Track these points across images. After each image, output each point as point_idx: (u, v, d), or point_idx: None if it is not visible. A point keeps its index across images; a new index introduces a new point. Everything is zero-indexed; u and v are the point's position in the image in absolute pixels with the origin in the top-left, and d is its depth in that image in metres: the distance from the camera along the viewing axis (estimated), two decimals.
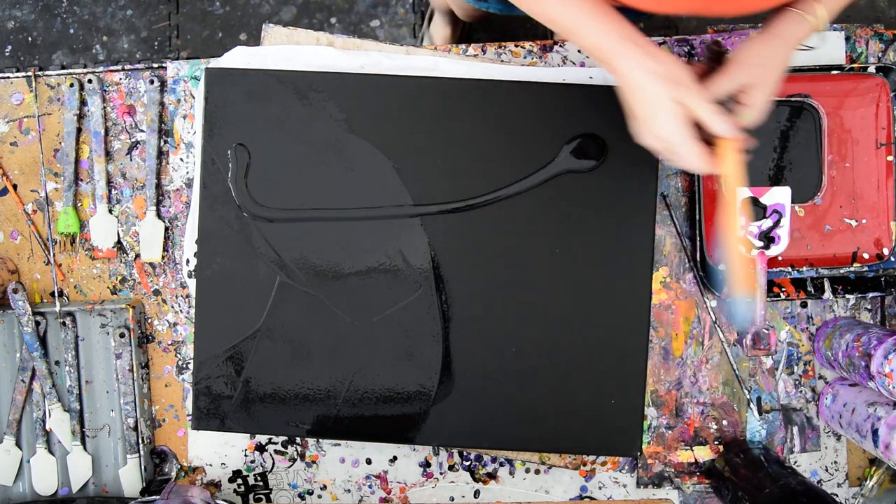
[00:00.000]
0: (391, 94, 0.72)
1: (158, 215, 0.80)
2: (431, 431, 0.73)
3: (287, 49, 0.77)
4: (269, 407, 0.73)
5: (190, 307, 0.81)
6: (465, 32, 1.47)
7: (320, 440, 0.80)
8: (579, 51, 0.80)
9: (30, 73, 0.81)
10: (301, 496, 0.81)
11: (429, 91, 0.72)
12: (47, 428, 0.79)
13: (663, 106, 0.56)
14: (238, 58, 0.76)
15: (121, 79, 0.81)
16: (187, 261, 0.79)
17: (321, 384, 0.73)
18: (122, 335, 0.78)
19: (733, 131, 0.58)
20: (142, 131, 0.81)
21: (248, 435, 0.80)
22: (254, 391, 0.73)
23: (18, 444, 0.80)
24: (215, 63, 0.77)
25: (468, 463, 0.81)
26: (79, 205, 0.81)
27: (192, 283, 0.79)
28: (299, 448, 0.81)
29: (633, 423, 0.72)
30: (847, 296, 0.78)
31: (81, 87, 0.80)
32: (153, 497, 0.73)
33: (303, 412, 0.73)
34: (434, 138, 0.72)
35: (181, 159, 0.81)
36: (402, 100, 0.72)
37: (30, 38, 1.53)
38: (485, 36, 1.51)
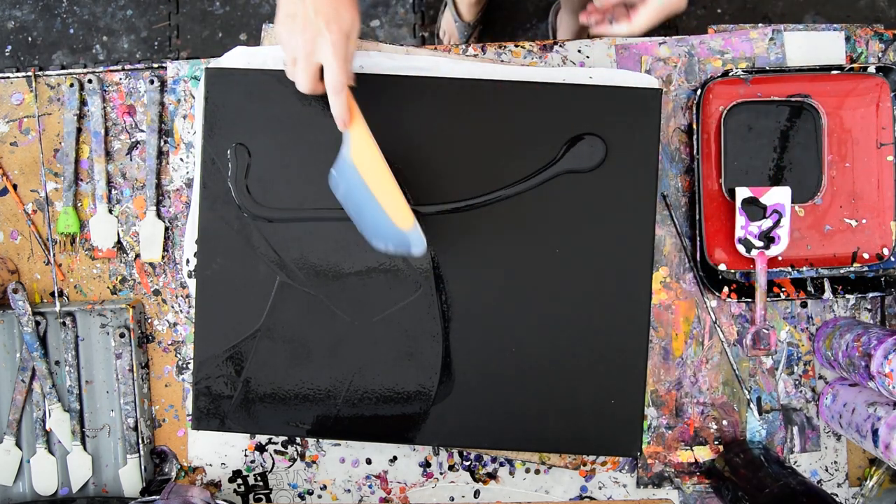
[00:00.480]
0: (391, 94, 0.72)
1: (158, 215, 0.80)
2: (431, 431, 0.73)
3: None
4: (269, 407, 0.73)
5: (190, 307, 0.81)
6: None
7: (320, 440, 0.80)
8: (579, 50, 0.80)
9: (30, 73, 0.81)
10: (301, 496, 0.81)
11: (429, 91, 0.72)
12: (47, 428, 0.79)
13: (312, 29, 0.60)
14: (238, 58, 0.76)
15: (121, 79, 0.81)
16: (187, 261, 0.79)
17: (321, 384, 0.73)
18: (122, 335, 0.78)
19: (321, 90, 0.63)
20: (142, 131, 0.81)
21: (248, 435, 0.80)
22: (254, 391, 0.73)
23: (18, 444, 0.80)
24: (215, 63, 0.77)
25: (468, 463, 0.81)
26: (79, 205, 0.81)
27: (192, 283, 0.79)
28: (299, 448, 0.81)
29: (633, 423, 0.72)
30: (847, 296, 0.78)
31: (81, 87, 0.80)
32: (153, 497, 0.73)
33: (303, 412, 0.73)
34: (434, 138, 0.72)
35: (181, 159, 0.81)
36: (402, 100, 0.72)
37: (30, 38, 1.53)
38: (485, 36, 1.51)
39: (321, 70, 0.64)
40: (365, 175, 0.66)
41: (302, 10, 0.61)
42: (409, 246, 0.67)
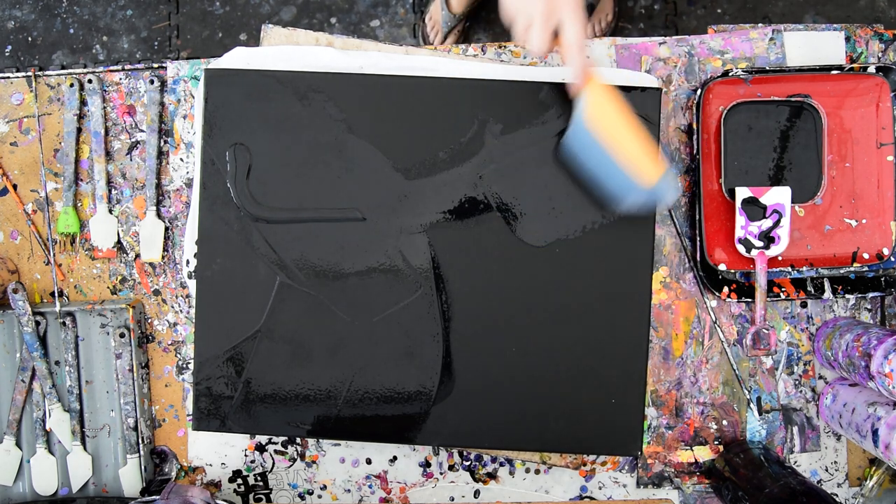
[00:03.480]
0: (390, 94, 0.72)
1: (158, 215, 0.80)
2: (432, 431, 0.73)
3: (286, 49, 0.77)
4: (270, 407, 0.73)
5: (190, 307, 0.81)
6: (465, 31, 1.48)
7: (320, 440, 0.80)
8: None
9: (30, 73, 0.81)
10: (301, 496, 0.81)
11: (428, 91, 0.72)
12: (47, 428, 0.79)
13: None
14: (237, 58, 0.77)
15: (121, 79, 0.81)
16: (187, 261, 0.79)
17: (322, 384, 0.73)
18: (122, 335, 0.78)
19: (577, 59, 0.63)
20: (142, 131, 0.81)
21: (248, 435, 0.80)
22: (254, 392, 0.73)
23: (18, 444, 0.80)
24: (215, 64, 0.77)
25: (468, 463, 0.81)
26: (79, 205, 0.81)
27: (192, 284, 0.79)
28: (299, 448, 0.81)
29: (633, 422, 0.72)
30: (847, 296, 0.78)
31: (81, 87, 0.80)
32: (153, 497, 0.73)
33: (303, 412, 0.73)
34: (434, 138, 0.72)
35: (181, 159, 0.81)
36: (401, 100, 0.72)
37: (30, 38, 1.53)
38: (485, 36, 1.51)
39: (555, 32, 0.63)
40: (602, 136, 0.64)
41: None
42: (656, 200, 0.66)
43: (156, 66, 0.81)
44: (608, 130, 0.64)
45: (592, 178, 0.68)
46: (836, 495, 0.80)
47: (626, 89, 0.71)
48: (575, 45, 0.62)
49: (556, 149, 0.67)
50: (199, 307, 0.73)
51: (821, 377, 0.80)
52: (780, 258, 0.78)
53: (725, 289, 0.78)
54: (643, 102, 0.71)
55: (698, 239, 0.77)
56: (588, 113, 0.64)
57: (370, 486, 0.81)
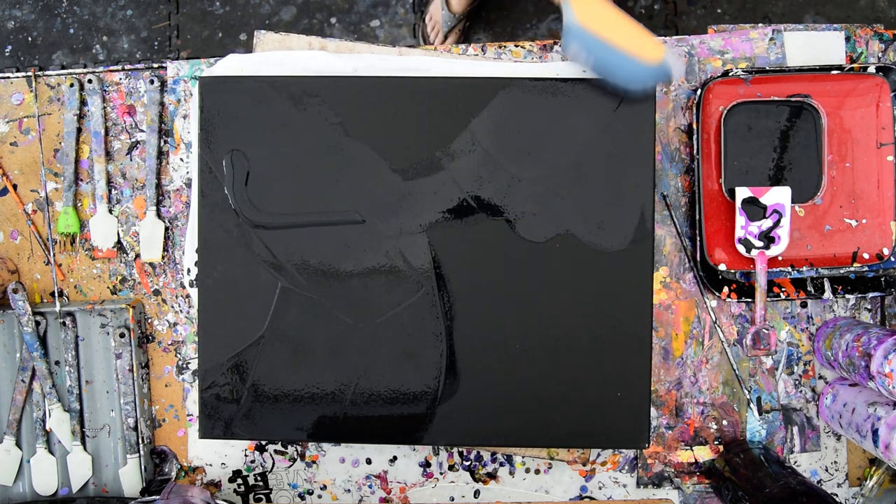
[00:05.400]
0: (385, 95, 0.72)
1: (158, 215, 0.80)
2: (438, 431, 0.73)
3: (280, 54, 0.77)
4: (276, 413, 0.73)
5: (190, 307, 0.81)
6: (465, 30, 1.48)
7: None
8: None
9: (30, 73, 0.81)
10: (301, 496, 0.81)
11: (423, 91, 0.72)
12: (47, 428, 0.79)
13: None
14: (231, 65, 0.77)
15: (121, 79, 0.81)
16: (188, 270, 0.79)
17: (327, 388, 0.73)
18: (122, 335, 0.78)
19: None
20: (142, 131, 0.81)
21: None
22: (260, 398, 0.73)
23: (18, 444, 0.80)
24: (209, 71, 0.77)
25: (468, 463, 0.81)
26: (79, 205, 0.81)
27: (193, 293, 0.79)
28: (299, 448, 0.81)
29: (639, 415, 0.72)
30: (847, 296, 0.78)
31: (81, 87, 0.80)
32: (153, 497, 0.73)
33: (309, 417, 0.73)
34: (430, 138, 0.72)
35: (181, 159, 0.81)
36: (396, 101, 0.72)
37: (30, 38, 1.53)
38: (485, 36, 1.51)
39: None
40: (598, 31, 0.66)
41: None
42: (667, 74, 0.68)
43: (156, 66, 0.81)
44: (601, 25, 0.66)
45: (601, 71, 0.69)
46: (836, 495, 0.80)
47: None
48: None
49: (561, 47, 0.68)
50: (201, 315, 0.73)
51: (821, 377, 0.80)
52: (780, 258, 0.78)
53: (725, 289, 0.78)
54: (636, 95, 0.71)
55: (698, 239, 0.77)
56: (578, 13, 0.66)
57: (370, 486, 0.81)
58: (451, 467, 0.81)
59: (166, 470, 0.81)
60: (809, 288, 0.78)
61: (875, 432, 0.69)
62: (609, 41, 0.66)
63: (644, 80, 0.69)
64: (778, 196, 0.76)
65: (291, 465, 0.81)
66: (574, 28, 0.66)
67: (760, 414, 0.80)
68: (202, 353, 0.73)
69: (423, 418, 0.73)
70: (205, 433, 0.74)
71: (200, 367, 0.73)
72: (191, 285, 0.80)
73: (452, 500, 0.81)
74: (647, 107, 0.71)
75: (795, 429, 0.80)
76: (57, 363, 0.79)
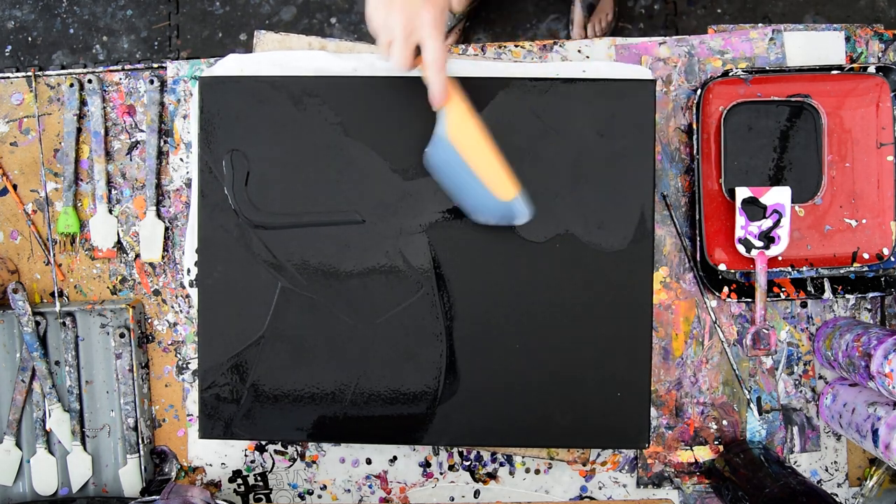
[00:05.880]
0: (385, 95, 0.72)
1: (158, 215, 0.80)
2: (439, 431, 0.73)
3: (279, 55, 0.77)
4: (276, 413, 0.73)
5: (190, 307, 0.81)
6: (465, 30, 1.48)
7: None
8: (579, 50, 0.80)
9: (30, 73, 0.81)
10: (301, 496, 0.81)
11: (423, 91, 0.72)
12: (47, 428, 0.79)
13: (415, 7, 0.61)
14: (230, 66, 0.77)
15: (121, 79, 0.81)
16: (188, 270, 0.79)
17: (326, 388, 0.73)
18: (122, 335, 0.78)
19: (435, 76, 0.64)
20: (142, 131, 0.81)
21: None
22: (260, 398, 0.73)
23: (18, 444, 0.80)
24: (209, 71, 0.77)
25: (468, 463, 0.81)
26: (79, 205, 0.81)
27: (193, 293, 0.79)
28: (299, 448, 0.81)
29: (639, 415, 0.72)
30: (847, 296, 0.78)
31: (81, 87, 0.80)
32: (153, 497, 0.73)
33: (309, 417, 0.73)
34: (430, 138, 0.72)
35: (181, 159, 0.81)
36: (396, 100, 0.72)
37: (30, 38, 1.53)
38: (485, 36, 1.51)
39: (416, 49, 0.64)
40: (463, 151, 0.66)
41: None
42: (513, 217, 0.68)
43: (156, 66, 0.81)
44: (467, 146, 0.67)
45: (454, 190, 0.70)
46: (836, 495, 0.80)
47: (618, 82, 0.71)
48: (434, 65, 0.63)
49: (422, 158, 0.69)
50: (201, 315, 0.73)
51: (821, 377, 0.80)
52: (780, 258, 0.78)
53: (725, 289, 0.78)
54: (636, 94, 0.71)
55: (698, 239, 0.77)
56: (449, 129, 0.66)
57: (370, 486, 0.81)
58: (451, 467, 0.81)
59: (166, 470, 0.81)
60: (809, 288, 0.78)
61: (875, 432, 0.69)
62: (470, 164, 0.67)
63: (490, 213, 0.69)
64: (778, 196, 0.76)
65: (291, 465, 0.81)
66: (442, 140, 0.67)
67: (760, 414, 0.80)
68: (202, 353, 0.73)
69: (423, 418, 0.73)
70: (205, 433, 0.74)
71: (200, 367, 0.73)
72: (191, 285, 0.80)
73: (452, 500, 0.81)
74: (647, 107, 0.71)
75: (795, 429, 0.80)
76: (57, 363, 0.79)
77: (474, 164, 0.67)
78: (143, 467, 0.79)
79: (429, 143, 0.68)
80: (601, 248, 0.72)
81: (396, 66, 0.64)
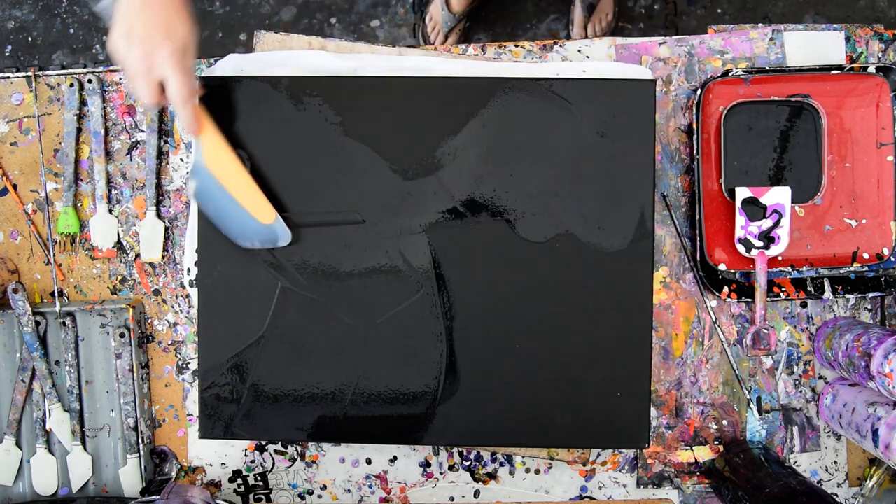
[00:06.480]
0: (385, 95, 0.72)
1: (158, 215, 0.80)
2: (438, 431, 0.73)
3: (279, 54, 0.77)
4: (276, 413, 0.73)
5: (190, 307, 0.81)
6: (465, 30, 1.48)
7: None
8: (579, 50, 0.80)
9: (30, 73, 0.81)
10: (301, 496, 0.81)
11: (423, 91, 0.72)
12: (47, 428, 0.79)
13: (150, 46, 0.61)
14: (230, 65, 0.76)
15: (121, 79, 0.81)
16: (188, 270, 0.79)
17: (327, 388, 0.73)
18: (122, 335, 0.78)
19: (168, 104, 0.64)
20: (142, 131, 0.81)
21: None
22: (260, 398, 0.73)
23: (18, 444, 0.80)
24: (209, 71, 0.77)
25: (468, 463, 0.81)
26: (79, 205, 0.81)
27: (193, 293, 0.79)
28: (299, 448, 0.81)
29: (639, 415, 0.72)
30: (847, 296, 0.78)
31: (81, 87, 0.80)
32: (153, 497, 0.73)
33: (309, 417, 0.73)
34: (430, 138, 0.72)
35: (181, 159, 0.81)
36: (396, 101, 0.72)
37: (30, 38, 1.53)
38: (485, 36, 1.51)
39: (162, 84, 0.63)
40: (221, 178, 0.69)
41: (138, 26, 0.61)
42: (275, 239, 0.71)
43: None
44: (224, 174, 0.69)
45: (217, 217, 0.71)
46: (836, 495, 0.80)
47: (618, 82, 0.71)
48: (178, 99, 0.63)
49: (186, 186, 0.71)
50: (201, 315, 0.73)
51: (821, 377, 0.80)
52: (780, 258, 0.78)
53: (725, 289, 0.78)
54: (636, 94, 0.71)
55: (698, 239, 0.77)
56: (206, 157, 0.68)
57: (370, 486, 0.81)
58: (451, 467, 0.81)
59: (166, 470, 0.81)
60: (809, 288, 0.78)
61: (875, 432, 0.69)
62: (229, 191, 0.69)
63: (253, 237, 0.70)
64: (778, 196, 0.76)
65: (291, 465, 0.81)
66: (200, 168, 0.68)
67: (760, 414, 0.80)
68: (202, 353, 0.73)
69: (423, 418, 0.73)
70: (205, 433, 0.74)
71: (200, 367, 0.73)
72: (191, 285, 0.80)
73: (452, 500, 0.81)
74: (648, 107, 0.71)
75: (795, 429, 0.80)
76: (57, 363, 0.79)
77: (233, 191, 0.69)
78: (143, 467, 0.79)
79: (189, 172, 0.69)
80: (601, 248, 0.71)
81: (144, 102, 0.65)
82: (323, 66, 0.77)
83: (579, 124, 0.71)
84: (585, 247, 0.72)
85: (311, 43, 0.79)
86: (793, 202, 0.78)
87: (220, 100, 0.72)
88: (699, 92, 0.76)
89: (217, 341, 0.73)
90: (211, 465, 0.81)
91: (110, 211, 0.81)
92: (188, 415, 0.81)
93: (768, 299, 0.78)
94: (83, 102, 0.81)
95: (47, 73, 0.81)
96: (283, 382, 0.73)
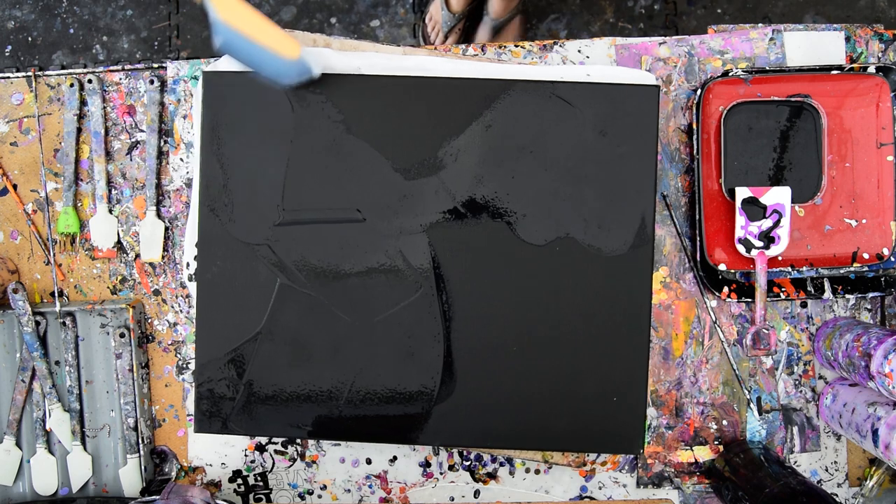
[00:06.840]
0: (389, 94, 0.72)
1: (158, 215, 0.80)
2: (434, 431, 0.73)
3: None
4: (272, 409, 0.73)
5: (190, 307, 0.81)
6: (465, 30, 1.48)
7: (320, 440, 0.80)
8: (579, 50, 0.80)
9: (30, 73, 0.81)
10: (301, 496, 0.81)
11: (427, 91, 0.72)
12: (47, 428, 0.79)
13: None
14: (230, 65, 0.76)
15: (121, 79, 0.81)
16: (187, 264, 0.79)
17: (323, 385, 0.73)
18: (122, 335, 0.78)
19: None
20: (142, 131, 0.81)
21: (249, 435, 0.80)
22: (256, 394, 0.73)
23: (18, 444, 0.80)
24: (213, 67, 0.77)
25: (468, 463, 0.81)
26: (79, 205, 0.81)
27: (192, 287, 0.79)
28: (299, 448, 0.81)
29: (635, 420, 0.72)
30: (847, 296, 0.78)
31: (81, 87, 0.80)
32: (153, 497, 0.73)
33: (305, 414, 0.73)
34: (432, 138, 0.72)
35: (181, 159, 0.81)
36: (399, 100, 0.72)
37: (30, 38, 1.53)
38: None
39: None
40: (240, 28, 0.69)
41: None
42: (308, 71, 0.71)
43: (156, 66, 0.81)
44: (240, 21, 0.69)
45: (250, 65, 0.71)
46: (836, 495, 0.80)
47: (623, 86, 0.71)
48: None
49: (215, 43, 0.70)
50: (199, 310, 0.73)
51: (821, 377, 0.80)
52: (780, 258, 0.78)
53: (725, 289, 0.78)
54: (640, 99, 0.71)
55: (698, 239, 0.77)
56: (220, 12, 0.68)
57: (370, 486, 0.81)
58: (451, 467, 0.81)
59: (166, 470, 0.81)
60: (809, 288, 0.78)
61: (875, 432, 0.69)
62: (250, 37, 0.69)
63: (289, 74, 0.71)
64: (778, 196, 0.76)
65: (291, 465, 0.81)
66: (217, 24, 0.69)
67: (760, 414, 0.80)
68: (199, 348, 0.73)
69: (420, 418, 0.73)
70: (200, 428, 0.74)
71: (197, 362, 0.73)
72: (189, 279, 0.79)
73: (452, 500, 0.81)
74: (651, 113, 0.71)
75: (795, 429, 0.80)
76: (57, 363, 0.79)
77: (255, 36, 0.69)
78: (143, 467, 0.79)
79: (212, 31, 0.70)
80: (601, 252, 0.71)
81: None
82: (326, 64, 0.77)
83: (582, 128, 0.71)
84: (585, 251, 0.72)
85: (315, 40, 0.79)
86: (793, 202, 0.78)
87: (223, 94, 0.72)
88: (699, 92, 0.76)
89: (214, 336, 0.73)
90: (211, 465, 0.81)
91: (110, 211, 0.81)
92: (188, 415, 0.81)
93: (768, 299, 0.78)
94: (83, 102, 0.81)
95: (47, 73, 0.81)
96: (279, 379, 0.73)
